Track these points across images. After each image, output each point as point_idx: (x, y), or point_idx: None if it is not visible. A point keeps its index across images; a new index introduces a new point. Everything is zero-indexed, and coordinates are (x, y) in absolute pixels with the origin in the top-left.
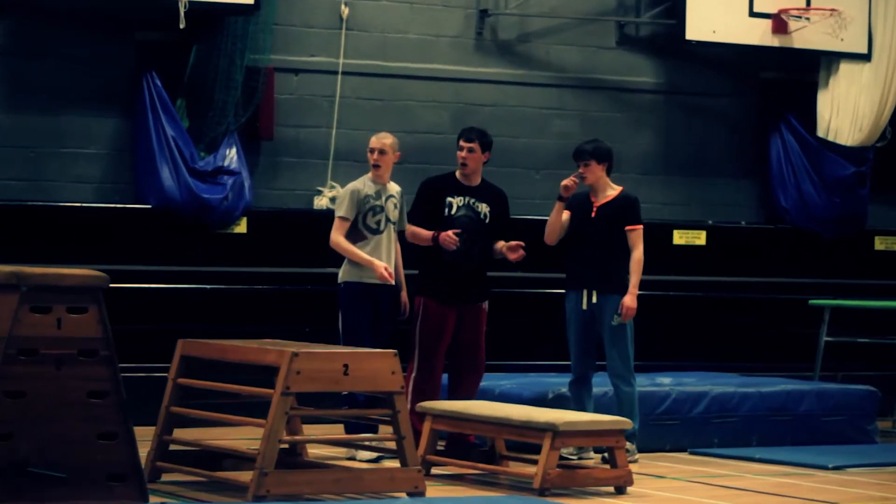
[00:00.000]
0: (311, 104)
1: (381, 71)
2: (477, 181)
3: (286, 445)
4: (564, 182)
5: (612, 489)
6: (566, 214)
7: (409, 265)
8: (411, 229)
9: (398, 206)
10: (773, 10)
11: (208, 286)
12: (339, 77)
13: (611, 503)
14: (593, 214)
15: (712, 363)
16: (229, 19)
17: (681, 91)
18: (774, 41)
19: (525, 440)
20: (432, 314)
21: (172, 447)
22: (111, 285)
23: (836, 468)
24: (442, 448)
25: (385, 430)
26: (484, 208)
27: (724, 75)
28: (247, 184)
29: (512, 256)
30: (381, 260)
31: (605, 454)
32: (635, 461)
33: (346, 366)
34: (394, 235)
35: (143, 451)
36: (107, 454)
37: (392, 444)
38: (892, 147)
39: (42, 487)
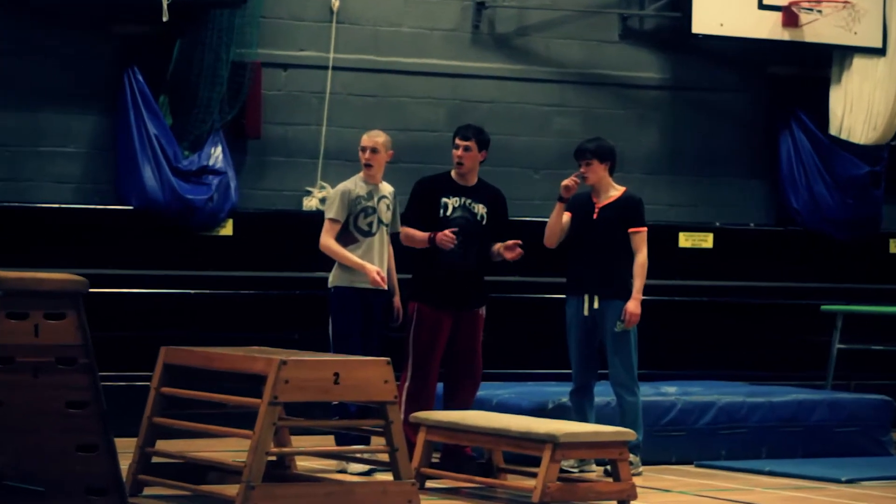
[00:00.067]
0: (300, 101)
1: (373, 66)
2: (473, 181)
3: (274, 458)
4: (565, 182)
5: (614, 503)
6: (567, 216)
7: (403, 269)
8: (405, 231)
9: (391, 207)
10: (784, 3)
11: (192, 291)
12: (330, 72)
13: None
14: (595, 216)
15: (720, 371)
16: (214, 12)
17: (687, 87)
18: (785, 35)
19: (524, 452)
20: (427, 320)
21: (155, 459)
22: (91, 290)
23: (849, 481)
24: (437, 460)
25: (377, 441)
26: (481, 209)
27: (731, 70)
28: (233, 184)
29: (509, 256)
30: (374, 263)
31: (608, 467)
32: (639, 474)
33: (336, 374)
34: (386, 238)
35: (125, 463)
36: (86, 466)
37: (385, 457)
38: None
39: (18, 501)
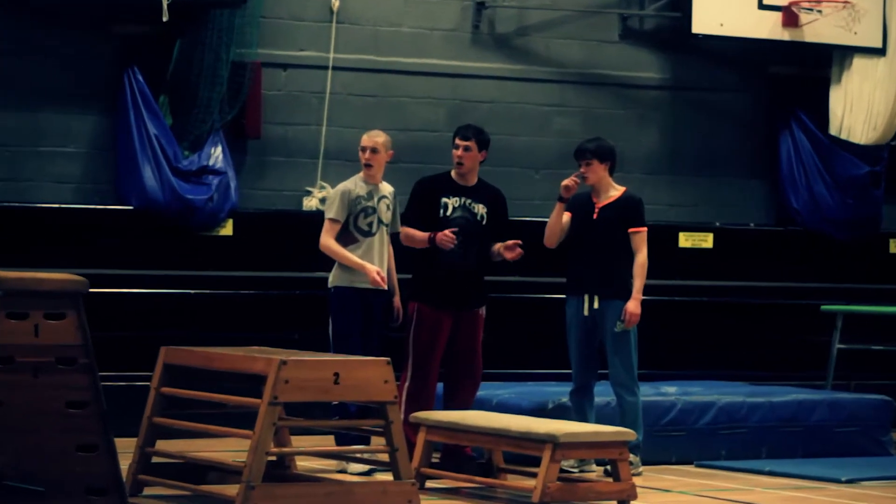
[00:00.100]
0: (300, 101)
1: (373, 66)
2: (473, 181)
3: (274, 458)
4: (565, 182)
5: (614, 503)
6: (567, 216)
7: (403, 269)
8: (405, 231)
9: (391, 207)
10: (784, 3)
11: (192, 291)
12: (330, 72)
13: None
14: (595, 216)
15: (720, 371)
16: (214, 12)
17: (687, 87)
18: (785, 35)
19: (524, 452)
20: (427, 320)
21: (155, 459)
22: (91, 290)
23: (849, 481)
24: (437, 460)
25: (377, 441)
26: (481, 209)
27: (731, 70)
28: (233, 184)
29: (509, 256)
30: (374, 263)
31: (608, 467)
32: (639, 474)
33: (336, 374)
34: (386, 238)
35: (125, 463)
36: (86, 467)
37: (385, 457)
38: None
39: (18, 501)
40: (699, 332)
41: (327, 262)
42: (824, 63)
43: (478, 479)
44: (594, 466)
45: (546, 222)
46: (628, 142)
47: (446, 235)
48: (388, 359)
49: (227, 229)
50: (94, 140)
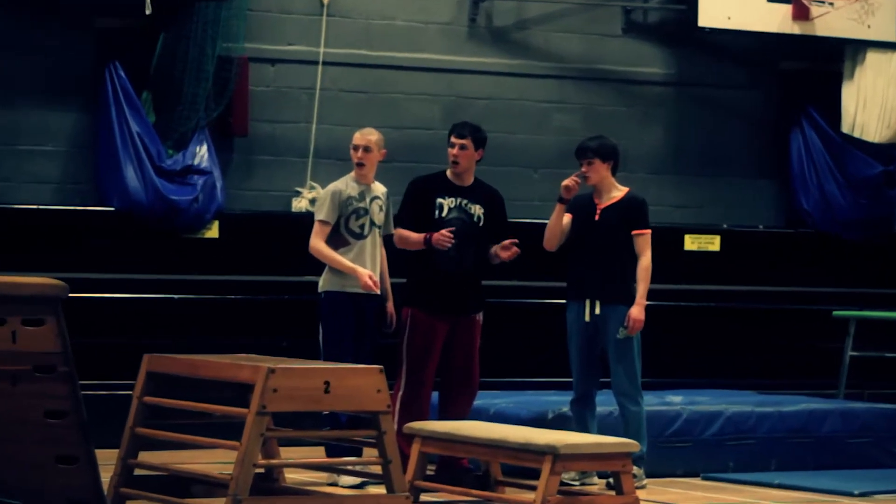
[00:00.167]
0: (289, 97)
1: (365, 61)
2: (469, 181)
3: (262, 470)
4: (565, 182)
5: None
6: (567, 218)
7: (396, 273)
8: (399, 233)
9: (384, 208)
10: None
11: (177, 296)
12: (320, 67)
13: None
14: (597, 217)
15: (727, 380)
16: (199, 4)
17: (693, 83)
18: (795, 28)
19: (523, 464)
20: (421, 326)
21: (137, 472)
22: (71, 295)
23: (862, 495)
24: (432, 473)
25: (370, 453)
26: (477, 210)
27: (739, 66)
28: (219, 184)
29: (505, 255)
30: (366, 267)
31: (610, 479)
32: (643, 487)
33: (327, 383)
34: (379, 240)
35: (106, 475)
36: (66, 479)
37: (377, 469)
38: None
39: None
40: (705, 339)
41: (317, 265)
42: (836, 58)
43: (475, 492)
44: (596, 479)
45: (545, 224)
46: (631, 140)
47: (443, 235)
48: (381, 367)
49: (213, 231)
50: (74, 138)
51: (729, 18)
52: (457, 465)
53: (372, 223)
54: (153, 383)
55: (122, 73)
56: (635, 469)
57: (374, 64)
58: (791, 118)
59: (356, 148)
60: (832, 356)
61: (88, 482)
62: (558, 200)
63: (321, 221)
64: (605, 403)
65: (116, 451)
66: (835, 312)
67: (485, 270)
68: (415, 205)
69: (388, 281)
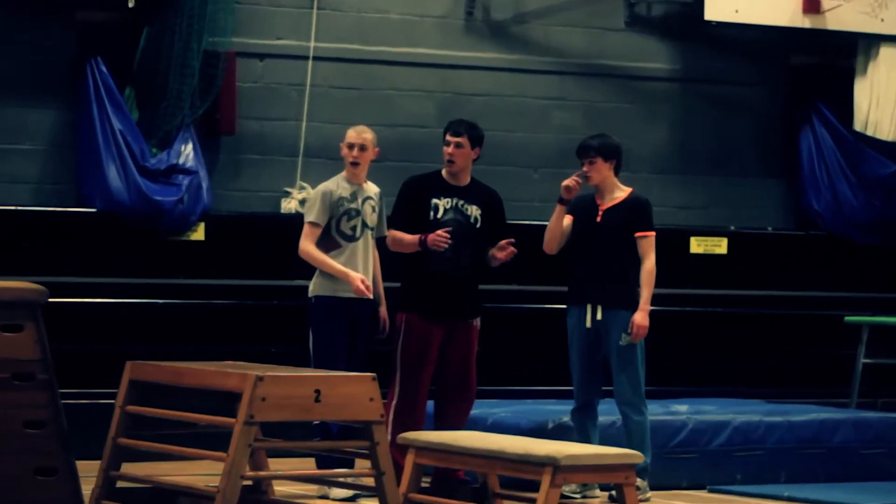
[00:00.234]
0: (278, 93)
1: (357, 56)
2: (466, 181)
3: (249, 482)
4: (566, 182)
5: None
6: (568, 219)
7: (390, 276)
8: (392, 235)
9: (377, 209)
10: None
11: (161, 300)
12: (310, 63)
13: None
14: (599, 219)
15: (734, 388)
16: None
17: (699, 79)
18: (805, 22)
19: (522, 476)
20: (416, 332)
21: (120, 484)
22: (50, 300)
23: None
24: (427, 485)
25: (362, 464)
26: (474, 211)
27: (747, 61)
28: (205, 184)
29: (500, 255)
30: (358, 270)
31: (613, 492)
32: (647, 500)
33: (317, 391)
34: (371, 242)
35: (87, 488)
36: (45, 491)
37: (370, 481)
38: None
39: None
40: (712, 346)
41: (307, 269)
42: (848, 52)
43: None
44: (598, 491)
45: (545, 226)
46: (635, 138)
47: (439, 235)
48: (374, 374)
49: (199, 233)
50: (54, 136)
51: (736, 11)
52: (453, 477)
53: (364, 225)
54: (136, 392)
55: (104, 69)
56: (639, 481)
57: (366, 59)
58: (801, 115)
59: (351, 146)
60: (844, 363)
61: (69, 495)
62: (558, 201)
63: (311, 223)
64: (608, 413)
65: (98, 462)
66: (847, 318)
67: (482, 274)
68: (409, 206)
69: (381, 285)
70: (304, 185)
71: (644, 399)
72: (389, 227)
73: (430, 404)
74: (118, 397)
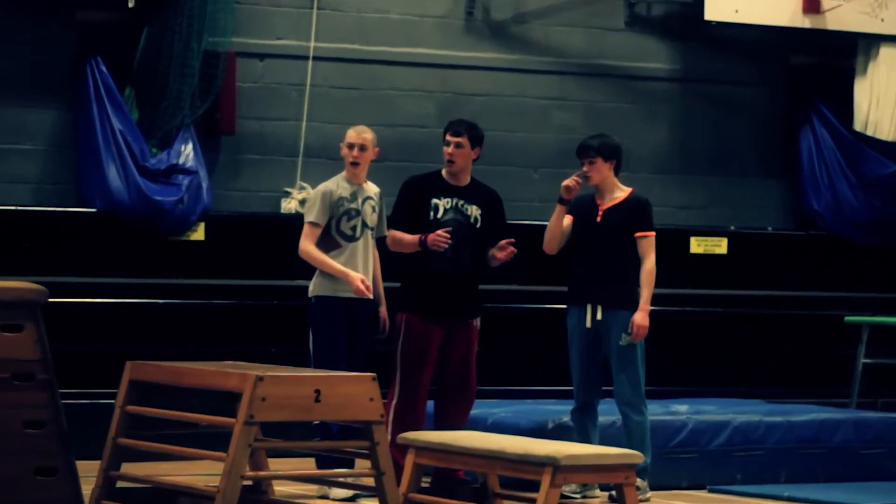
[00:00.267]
0: (278, 93)
1: (357, 56)
2: (466, 181)
3: (249, 482)
4: (566, 182)
5: None
6: (568, 219)
7: (390, 276)
8: (392, 235)
9: (377, 209)
10: None
11: (161, 300)
12: (310, 63)
13: None
14: (599, 219)
15: (734, 388)
16: None
17: (699, 79)
18: (805, 22)
19: (521, 476)
20: (416, 332)
21: (120, 484)
22: (50, 300)
23: None
24: (427, 485)
25: (362, 464)
26: (474, 211)
27: (747, 61)
28: (205, 184)
29: (501, 255)
30: (357, 270)
31: (613, 492)
32: (647, 500)
33: (317, 391)
34: (371, 242)
35: (87, 488)
36: (45, 491)
37: (370, 481)
38: None
39: None
40: (712, 346)
41: (307, 269)
42: (848, 52)
43: None
44: (598, 492)
45: (545, 226)
46: (635, 138)
47: (439, 235)
48: (374, 374)
49: (199, 233)
50: (54, 136)
51: (736, 11)
52: (453, 478)
53: (364, 225)
54: (136, 392)
55: (104, 69)
56: (639, 481)
57: (366, 59)
58: (801, 115)
59: (351, 146)
60: (844, 363)
61: (69, 495)
62: (558, 201)
63: (311, 223)
64: (608, 413)
65: (98, 462)
66: (847, 318)
67: (482, 274)
68: (409, 206)
69: (381, 285)
70: (304, 185)
71: (644, 399)
72: (389, 227)
73: (430, 404)
74: (118, 397)
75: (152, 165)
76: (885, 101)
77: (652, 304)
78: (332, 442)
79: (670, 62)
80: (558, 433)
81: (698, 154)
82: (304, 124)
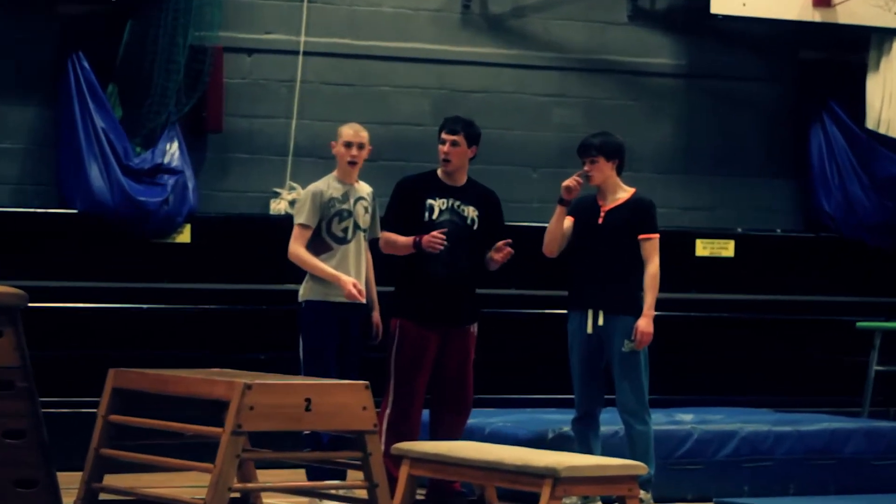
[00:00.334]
0: (267, 90)
1: (349, 51)
2: (462, 180)
3: (237, 494)
4: (567, 182)
5: None
6: (569, 221)
7: (383, 281)
8: (386, 237)
9: (369, 210)
10: None
11: (145, 305)
12: (301, 58)
13: None
14: (601, 221)
15: (742, 397)
16: None
17: (704, 75)
18: (816, 15)
19: (520, 488)
20: (411, 338)
21: (102, 496)
22: (30, 304)
23: None
24: (422, 497)
25: (354, 475)
26: (471, 212)
27: (755, 56)
28: (191, 184)
29: (498, 257)
30: (350, 274)
31: None
32: None
33: (308, 400)
34: (364, 245)
35: (68, 500)
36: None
37: (363, 493)
38: None
39: None
40: (718, 353)
41: (297, 273)
42: (860, 47)
43: None
44: (600, 503)
45: (545, 228)
46: (638, 137)
47: (435, 237)
48: (367, 382)
49: (185, 236)
50: (34, 135)
51: (744, 5)
52: (449, 489)
53: (356, 226)
54: (119, 400)
55: (86, 65)
56: (642, 493)
57: (359, 54)
58: (811, 113)
59: (349, 145)
60: (856, 371)
61: None
62: (559, 202)
63: (301, 225)
64: (610, 422)
65: (79, 473)
66: (858, 324)
67: (479, 278)
68: (403, 206)
69: (374, 289)
70: (294, 185)
71: (647, 408)
72: (383, 228)
73: (426, 413)
74: (101, 406)
75: (136, 165)
76: None
77: (656, 310)
78: (323, 452)
79: (675, 57)
80: (558, 443)
81: (704, 153)
82: (294, 122)
